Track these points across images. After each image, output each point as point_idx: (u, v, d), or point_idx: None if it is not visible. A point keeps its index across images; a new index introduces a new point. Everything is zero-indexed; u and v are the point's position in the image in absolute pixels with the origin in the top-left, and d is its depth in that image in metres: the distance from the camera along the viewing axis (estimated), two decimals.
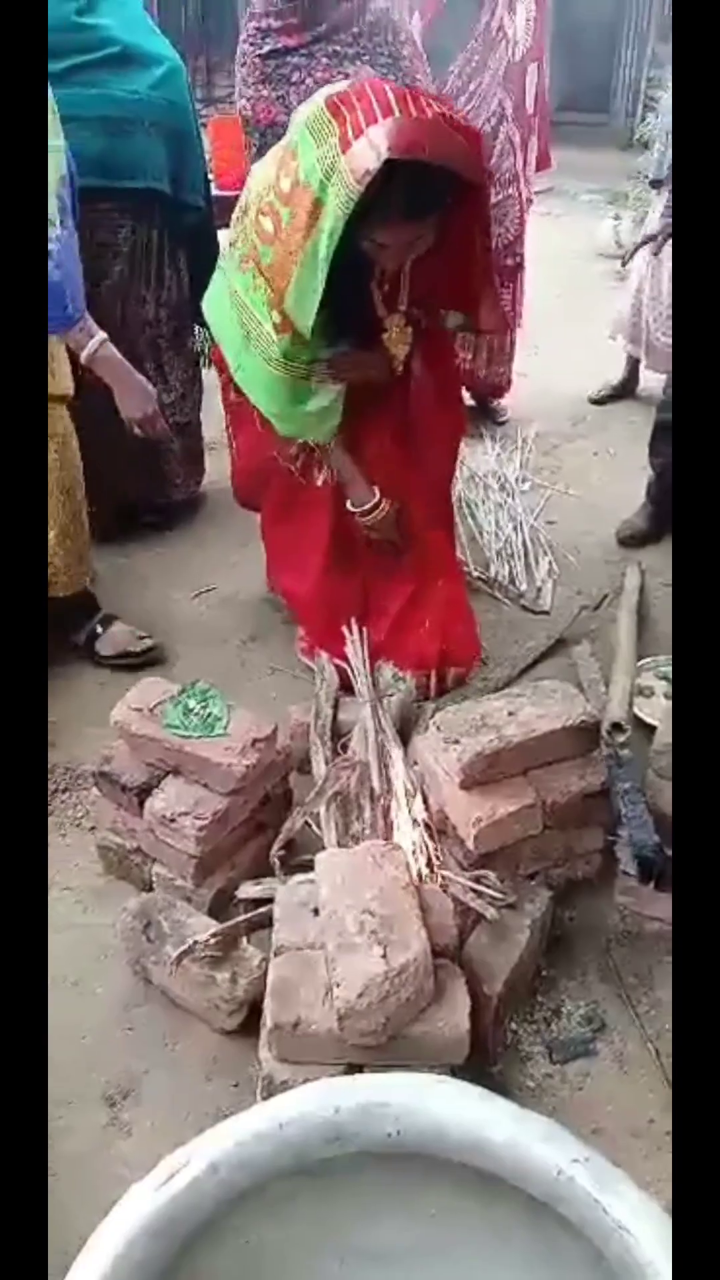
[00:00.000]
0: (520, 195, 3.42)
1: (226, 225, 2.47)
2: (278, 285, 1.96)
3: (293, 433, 2.20)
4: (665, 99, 3.56)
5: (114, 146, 2.55)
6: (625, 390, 4.06)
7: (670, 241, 3.06)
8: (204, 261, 2.87)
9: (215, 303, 2.20)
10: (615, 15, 10.53)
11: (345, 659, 2.25)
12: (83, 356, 2.18)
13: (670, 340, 3.64)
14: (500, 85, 3.24)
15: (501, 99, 3.26)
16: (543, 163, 3.59)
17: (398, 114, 1.78)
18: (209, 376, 2.89)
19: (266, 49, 2.71)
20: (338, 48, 2.70)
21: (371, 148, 1.74)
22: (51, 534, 2.31)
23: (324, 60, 2.70)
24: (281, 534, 2.55)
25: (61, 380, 2.21)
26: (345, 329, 2.10)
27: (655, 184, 3.60)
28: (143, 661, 2.48)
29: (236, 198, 2.40)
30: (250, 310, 2.06)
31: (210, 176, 3.10)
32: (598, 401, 4.05)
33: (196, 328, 2.98)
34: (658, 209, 3.55)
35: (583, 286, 4.66)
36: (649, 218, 3.66)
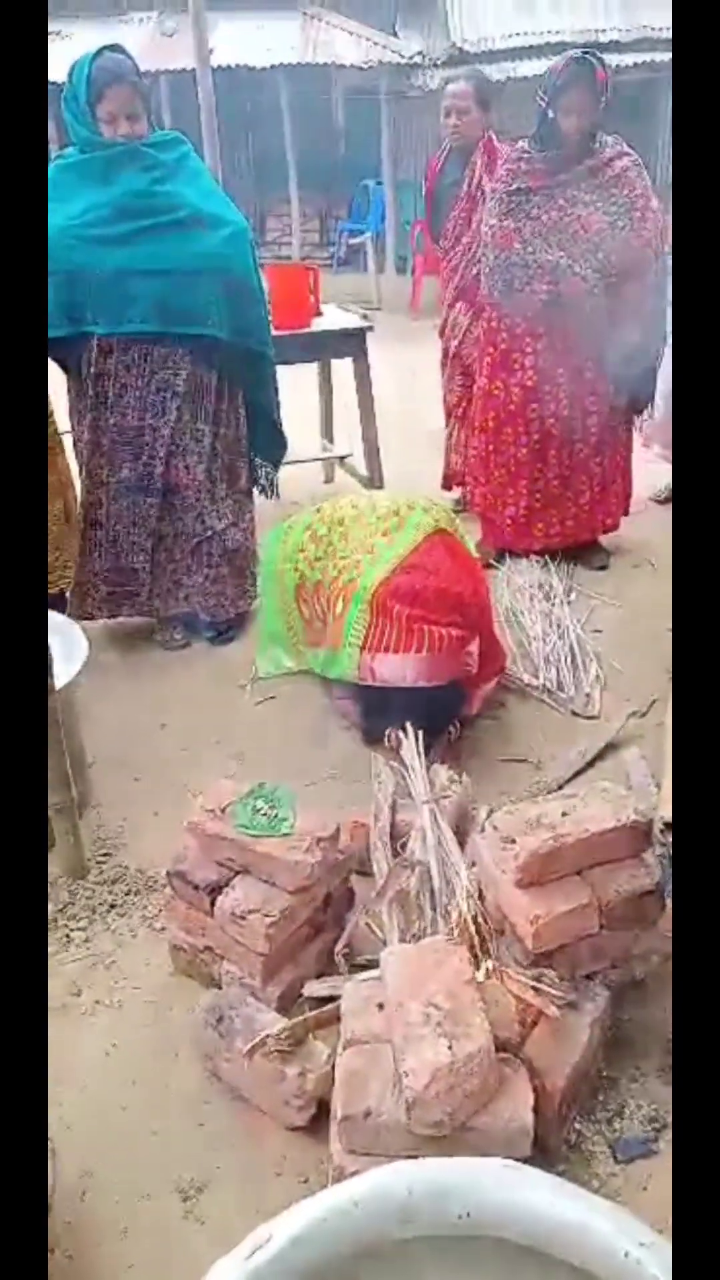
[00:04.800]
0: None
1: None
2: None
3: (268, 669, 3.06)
4: None
5: (176, 296, 2.84)
6: None
7: None
8: (262, 400, 3.16)
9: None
10: None
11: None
12: None
13: None
14: None
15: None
16: None
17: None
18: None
19: (515, 186, 3.32)
20: (575, 192, 3.27)
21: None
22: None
23: (560, 202, 3.28)
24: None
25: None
26: None
27: None
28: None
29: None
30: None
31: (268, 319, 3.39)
32: (662, 501, 4.25)
33: (252, 463, 3.26)
34: None
35: None
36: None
